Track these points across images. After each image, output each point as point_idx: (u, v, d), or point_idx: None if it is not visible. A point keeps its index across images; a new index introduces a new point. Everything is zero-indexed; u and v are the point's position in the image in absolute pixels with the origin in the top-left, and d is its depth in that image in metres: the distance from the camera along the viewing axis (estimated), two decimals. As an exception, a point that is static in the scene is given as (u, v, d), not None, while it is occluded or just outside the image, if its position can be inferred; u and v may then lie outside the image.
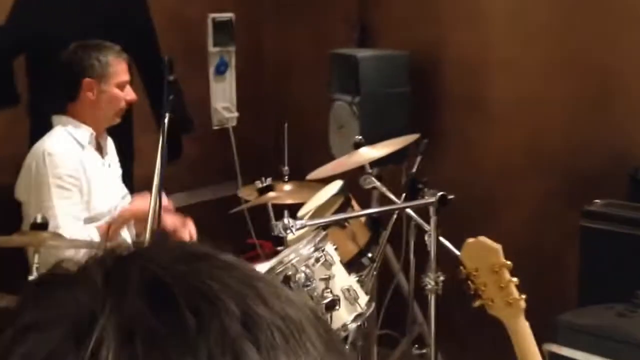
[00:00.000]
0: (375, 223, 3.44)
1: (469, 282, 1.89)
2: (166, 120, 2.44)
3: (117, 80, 3.01)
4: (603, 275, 2.34)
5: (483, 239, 1.88)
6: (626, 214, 2.43)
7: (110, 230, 2.92)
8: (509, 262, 1.84)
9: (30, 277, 2.24)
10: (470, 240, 1.90)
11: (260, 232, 4.13)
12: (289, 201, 3.38)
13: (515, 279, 1.84)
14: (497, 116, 3.80)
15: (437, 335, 3.23)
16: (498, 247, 1.86)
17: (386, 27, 4.14)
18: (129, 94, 3.06)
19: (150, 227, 2.33)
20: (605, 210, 2.48)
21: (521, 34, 3.70)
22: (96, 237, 2.90)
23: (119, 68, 3.02)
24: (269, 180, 3.07)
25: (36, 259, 2.27)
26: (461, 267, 1.90)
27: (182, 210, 3.32)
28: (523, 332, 1.85)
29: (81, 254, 2.85)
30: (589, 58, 3.54)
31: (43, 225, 2.31)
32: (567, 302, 3.25)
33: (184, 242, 0.54)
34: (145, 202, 2.93)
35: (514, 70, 3.74)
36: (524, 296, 1.86)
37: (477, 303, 1.89)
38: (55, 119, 3.05)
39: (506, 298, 1.84)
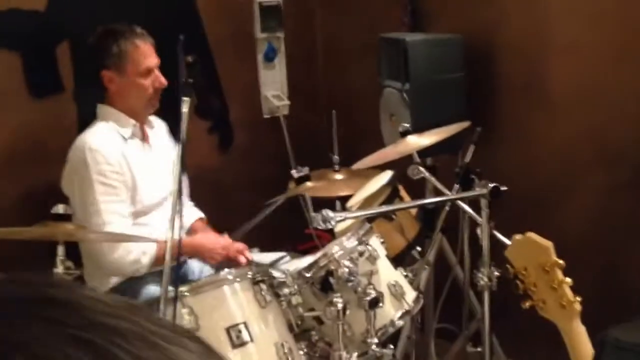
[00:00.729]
0: (427, 215, 3.30)
1: (518, 281, 1.75)
2: (185, 106, 2.31)
3: (139, 68, 2.85)
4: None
5: (532, 235, 1.73)
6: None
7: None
8: (561, 261, 1.69)
9: (55, 270, 2.16)
10: (518, 236, 1.75)
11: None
12: (340, 192, 3.28)
13: (568, 279, 1.69)
14: (558, 104, 3.58)
15: (496, 332, 3.08)
16: (549, 244, 1.71)
17: (439, 9, 3.97)
18: (157, 79, 2.88)
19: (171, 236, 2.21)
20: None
21: (585, 15, 3.47)
22: (151, 251, 2.80)
23: (139, 55, 2.85)
24: (305, 170, 2.94)
25: (60, 251, 2.19)
26: (508, 266, 1.75)
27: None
28: (578, 337, 1.70)
29: (133, 254, 2.75)
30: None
31: (64, 217, 2.23)
32: (631, 308, 3.06)
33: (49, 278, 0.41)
34: (208, 240, 2.92)
35: (577, 55, 3.51)
36: (578, 298, 1.70)
37: (527, 304, 1.75)
38: (100, 108, 2.97)
39: (559, 300, 1.69)
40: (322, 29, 4.61)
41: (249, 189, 4.28)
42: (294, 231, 4.05)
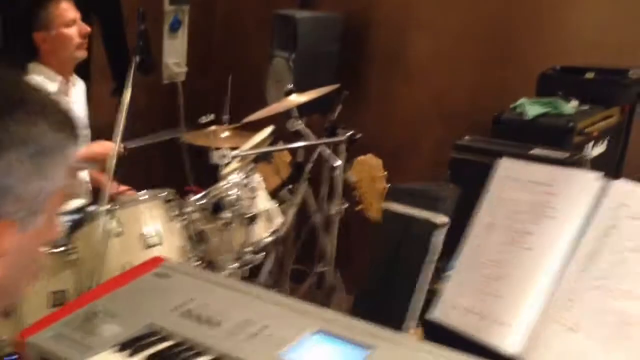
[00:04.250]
0: (299, 167, 4.09)
1: (356, 190, 2.54)
2: (136, 62, 3.01)
3: (62, 21, 3.41)
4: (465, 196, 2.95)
5: (369, 156, 2.51)
6: (486, 146, 3.08)
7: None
8: (385, 173, 2.49)
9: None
10: (360, 157, 2.54)
11: (198, 180, 4.74)
12: (228, 145, 4.00)
13: (388, 185, 2.49)
14: (414, 73, 4.49)
15: (341, 273, 3.85)
16: (379, 161, 2.49)
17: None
18: (82, 28, 3.47)
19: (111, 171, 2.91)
20: (470, 144, 3.14)
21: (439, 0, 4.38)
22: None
23: (61, 11, 3.42)
24: (211, 117, 3.68)
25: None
26: (350, 178, 2.55)
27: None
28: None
29: None
30: (493, 24, 4.21)
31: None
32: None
33: None
34: (102, 148, 3.44)
35: (431, 32, 4.41)
36: (394, 201, 2.51)
37: (359, 207, 2.53)
38: (31, 67, 3.46)
39: (381, 202, 2.49)
40: (223, 4, 5.32)
41: (146, 148, 4.95)
42: (174, 187, 4.68)
